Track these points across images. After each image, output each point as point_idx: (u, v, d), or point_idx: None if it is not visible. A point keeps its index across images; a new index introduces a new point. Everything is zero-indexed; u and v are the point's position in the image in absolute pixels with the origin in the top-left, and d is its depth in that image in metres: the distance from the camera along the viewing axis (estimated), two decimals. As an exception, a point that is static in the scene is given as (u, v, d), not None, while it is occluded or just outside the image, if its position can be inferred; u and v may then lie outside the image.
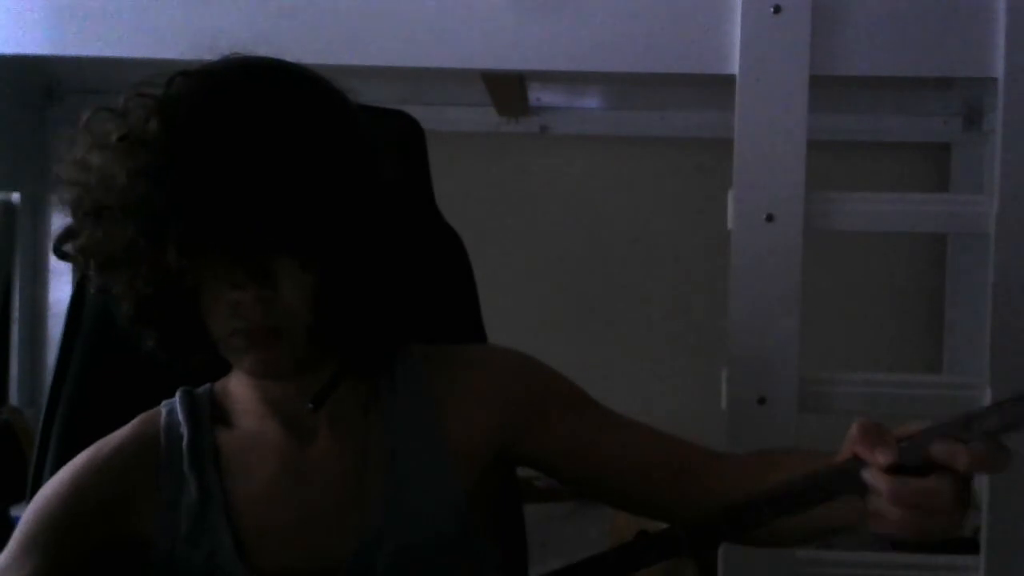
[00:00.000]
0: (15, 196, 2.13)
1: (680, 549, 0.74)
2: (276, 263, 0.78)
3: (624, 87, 2.25)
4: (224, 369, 0.90)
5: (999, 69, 1.20)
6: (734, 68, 1.21)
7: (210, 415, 0.89)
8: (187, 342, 0.84)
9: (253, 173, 0.74)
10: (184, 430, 0.87)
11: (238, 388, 0.90)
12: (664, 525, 0.81)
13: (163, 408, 0.90)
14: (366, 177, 0.81)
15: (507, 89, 2.02)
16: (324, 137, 0.79)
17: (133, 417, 0.89)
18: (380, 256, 0.82)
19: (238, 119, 0.76)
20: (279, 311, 0.79)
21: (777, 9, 1.20)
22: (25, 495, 0.98)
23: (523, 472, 0.99)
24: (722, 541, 0.71)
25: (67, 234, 0.81)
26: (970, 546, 1.49)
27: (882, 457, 0.66)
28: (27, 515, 0.84)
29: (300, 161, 0.76)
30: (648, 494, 0.90)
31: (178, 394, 0.90)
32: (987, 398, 1.20)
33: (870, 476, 0.67)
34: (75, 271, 0.97)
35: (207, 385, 0.92)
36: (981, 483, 1.25)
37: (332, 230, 0.78)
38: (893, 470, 0.66)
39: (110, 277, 0.81)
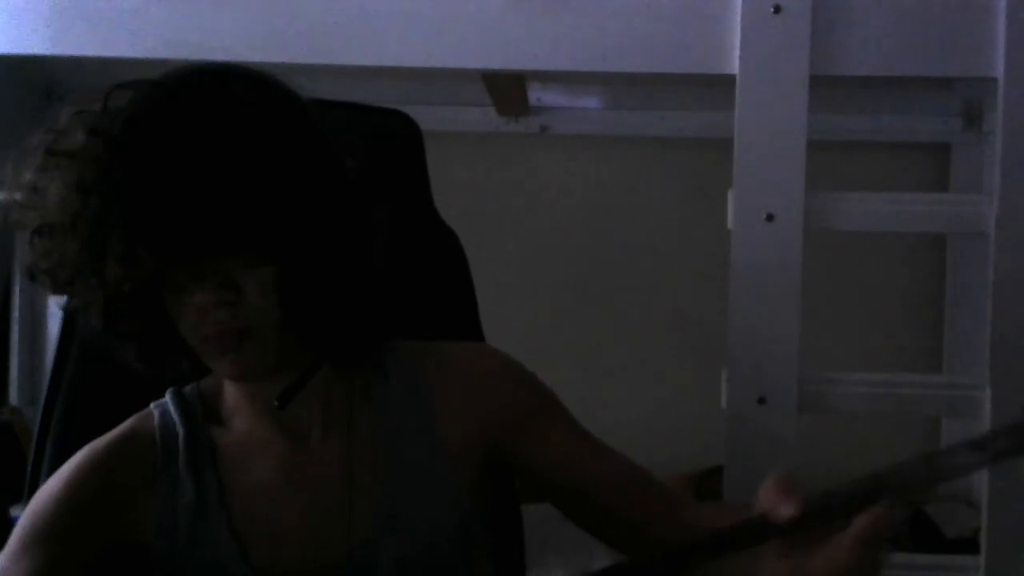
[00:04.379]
0: (15, 196, 2.12)
1: None
2: (231, 265, 0.77)
3: (624, 87, 2.25)
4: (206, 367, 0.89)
5: (999, 69, 1.20)
6: (734, 68, 1.21)
7: (203, 414, 0.89)
8: (164, 351, 0.84)
9: (190, 174, 0.73)
10: (180, 430, 0.87)
11: (229, 387, 0.90)
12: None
13: (154, 409, 0.89)
14: (314, 168, 0.80)
15: (507, 89, 2.02)
16: (263, 131, 0.77)
17: (129, 416, 0.89)
18: (340, 246, 0.81)
19: (172, 122, 0.75)
20: (245, 312, 0.78)
21: (777, 9, 1.20)
22: (24, 495, 0.98)
23: (523, 472, 0.99)
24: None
25: (31, 257, 0.81)
26: (970, 546, 1.49)
27: (785, 511, 0.68)
28: (24, 517, 0.83)
29: (239, 157, 0.75)
30: (613, 523, 0.90)
31: (168, 394, 0.90)
32: (987, 398, 1.20)
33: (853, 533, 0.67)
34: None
35: (193, 384, 0.92)
36: (981, 484, 1.25)
37: (281, 224, 0.77)
38: (799, 523, 0.68)
39: (68, 293, 0.81)
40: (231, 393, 0.90)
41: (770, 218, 1.21)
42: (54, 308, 2.14)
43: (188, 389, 0.91)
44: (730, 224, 1.23)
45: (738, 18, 1.21)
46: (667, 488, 0.91)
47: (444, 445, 0.89)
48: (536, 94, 2.21)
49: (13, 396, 2.16)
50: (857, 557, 0.66)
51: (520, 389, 0.93)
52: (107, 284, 0.76)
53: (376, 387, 0.90)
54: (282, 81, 0.83)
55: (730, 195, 1.23)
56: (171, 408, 0.89)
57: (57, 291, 0.82)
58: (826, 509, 0.68)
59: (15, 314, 2.17)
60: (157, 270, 0.76)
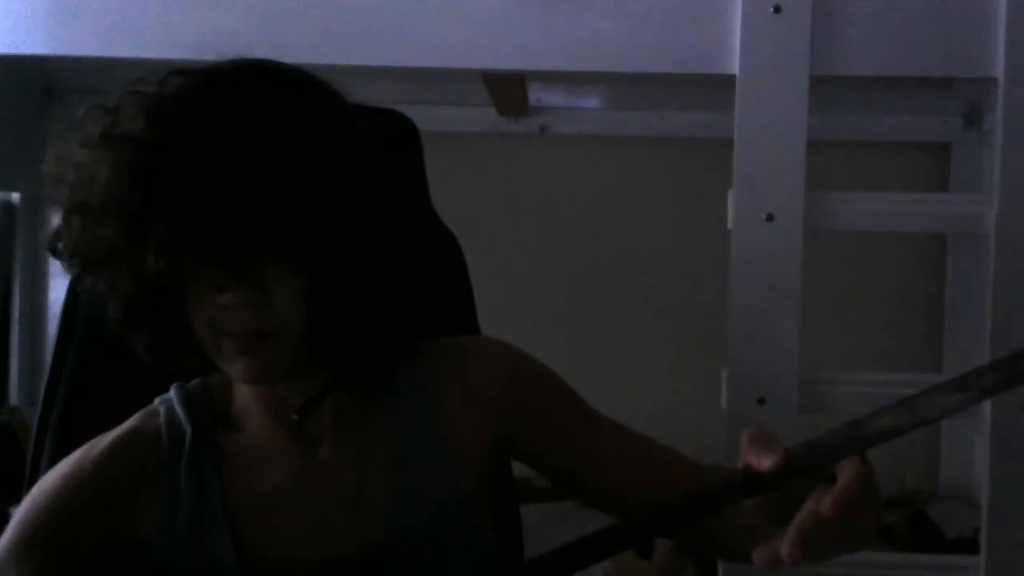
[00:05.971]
0: (15, 196, 2.13)
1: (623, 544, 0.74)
2: (265, 267, 0.76)
3: (624, 87, 2.25)
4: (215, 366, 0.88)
5: (999, 69, 1.20)
6: (734, 68, 1.21)
7: (210, 414, 0.88)
8: (176, 346, 0.83)
9: (240, 175, 0.73)
10: (187, 429, 0.86)
11: (240, 388, 0.89)
12: None
13: (160, 406, 0.88)
14: (360, 180, 0.80)
15: (507, 89, 2.02)
16: (315, 139, 0.77)
17: (128, 416, 0.88)
18: (375, 261, 0.81)
19: (227, 119, 0.74)
20: (270, 316, 0.77)
21: (777, 9, 1.20)
22: (23, 496, 0.97)
23: (522, 472, 0.99)
24: (651, 537, 0.73)
25: (59, 232, 0.80)
26: (970, 546, 1.49)
27: (768, 463, 0.66)
28: (21, 511, 0.83)
29: (290, 163, 0.74)
30: (633, 500, 0.88)
31: (173, 390, 0.89)
32: (987, 398, 1.20)
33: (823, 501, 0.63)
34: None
35: (199, 380, 0.90)
36: (981, 484, 1.25)
37: (323, 234, 0.76)
38: (784, 474, 0.66)
39: (94, 277, 0.80)
40: (242, 395, 0.89)
41: (770, 218, 1.21)
42: (54, 308, 2.15)
43: (194, 385, 0.90)
44: (730, 224, 1.23)
45: (738, 18, 1.21)
46: (690, 463, 0.89)
47: (451, 445, 0.88)
48: (536, 94, 2.21)
49: (13, 396, 2.16)
50: (848, 509, 0.63)
51: (531, 379, 0.93)
52: (140, 271, 0.75)
53: (384, 389, 0.90)
54: (334, 87, 0.83)
55: (730, 195, 1.23)
56: (177, 406, 0.88)
57: (82, 273, 0.80)
58: (810, 459, 0.66)
59: (15, 314, 2.17)
60: (194, 263, 0.76)
